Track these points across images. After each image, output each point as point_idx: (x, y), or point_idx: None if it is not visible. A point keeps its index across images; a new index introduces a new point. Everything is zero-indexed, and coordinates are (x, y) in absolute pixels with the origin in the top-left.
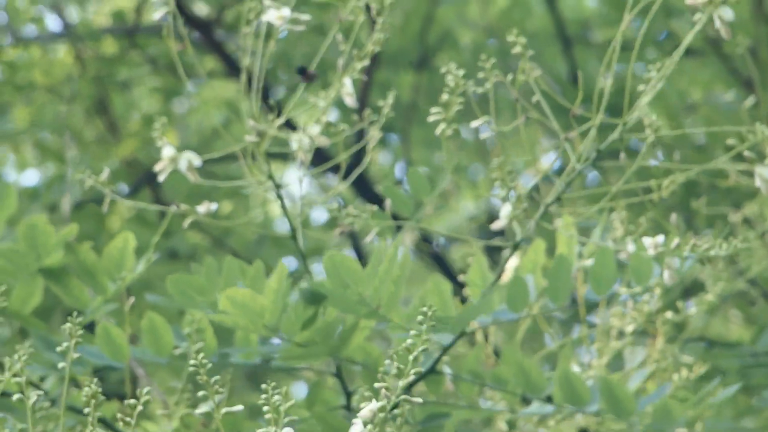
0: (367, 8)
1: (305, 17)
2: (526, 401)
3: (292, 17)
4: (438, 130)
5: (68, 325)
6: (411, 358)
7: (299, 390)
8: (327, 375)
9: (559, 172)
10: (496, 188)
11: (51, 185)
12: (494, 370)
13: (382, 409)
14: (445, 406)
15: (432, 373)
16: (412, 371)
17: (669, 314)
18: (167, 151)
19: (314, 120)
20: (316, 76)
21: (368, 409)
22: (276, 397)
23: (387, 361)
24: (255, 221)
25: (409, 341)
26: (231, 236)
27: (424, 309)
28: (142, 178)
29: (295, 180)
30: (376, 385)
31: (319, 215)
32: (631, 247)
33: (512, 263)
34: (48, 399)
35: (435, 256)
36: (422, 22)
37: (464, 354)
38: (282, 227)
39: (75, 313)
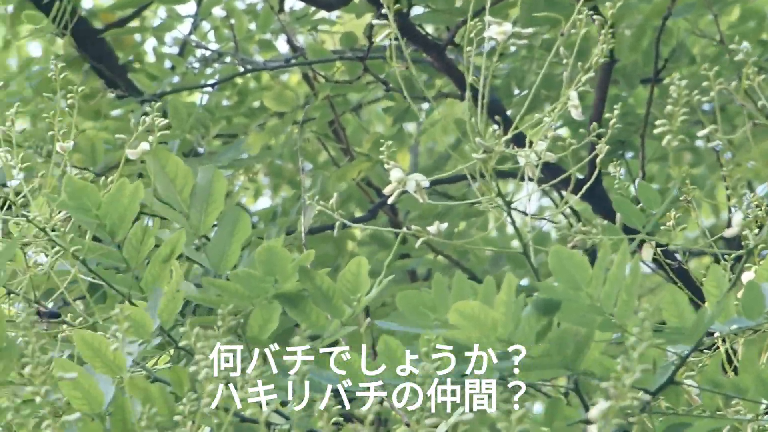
0: (594, 22)
1: (527, 31)
2: None
3: (514, 32)
4: (664, 142)
5: (296, 338)
6: (635, 355)
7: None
8: (567, 390)
9: None
10: (729, 196)
11: (287, 209)
12: (734, 379)
13: (611, 409)
14: (686, 417)
15: (671, 384)
16: (639, 368)
17: None
18: (395, 174)
19: (541, 135)
20: (55, 315)
21: (597, 408)
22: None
23: (618, 365)
24: (490, 240)
25: (632, 339)
26: (467, 256)
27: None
28: (379, 204)
29: (526, 197)
30: (603, 384)
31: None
32: None
33: (749, 272)
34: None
35: (678, 270)
36: (654, 36)
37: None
38: (518, 245)
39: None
